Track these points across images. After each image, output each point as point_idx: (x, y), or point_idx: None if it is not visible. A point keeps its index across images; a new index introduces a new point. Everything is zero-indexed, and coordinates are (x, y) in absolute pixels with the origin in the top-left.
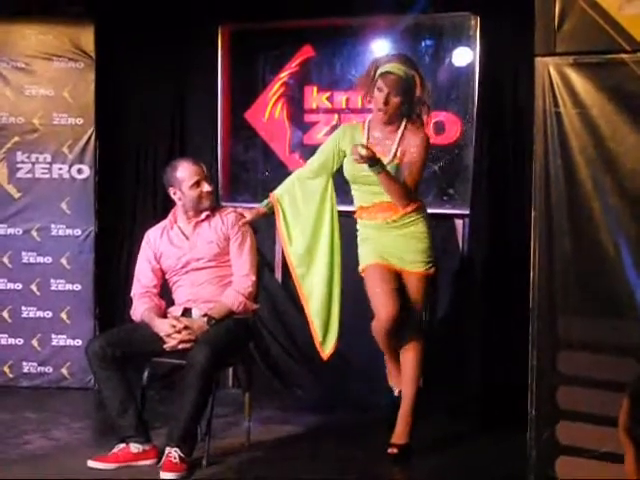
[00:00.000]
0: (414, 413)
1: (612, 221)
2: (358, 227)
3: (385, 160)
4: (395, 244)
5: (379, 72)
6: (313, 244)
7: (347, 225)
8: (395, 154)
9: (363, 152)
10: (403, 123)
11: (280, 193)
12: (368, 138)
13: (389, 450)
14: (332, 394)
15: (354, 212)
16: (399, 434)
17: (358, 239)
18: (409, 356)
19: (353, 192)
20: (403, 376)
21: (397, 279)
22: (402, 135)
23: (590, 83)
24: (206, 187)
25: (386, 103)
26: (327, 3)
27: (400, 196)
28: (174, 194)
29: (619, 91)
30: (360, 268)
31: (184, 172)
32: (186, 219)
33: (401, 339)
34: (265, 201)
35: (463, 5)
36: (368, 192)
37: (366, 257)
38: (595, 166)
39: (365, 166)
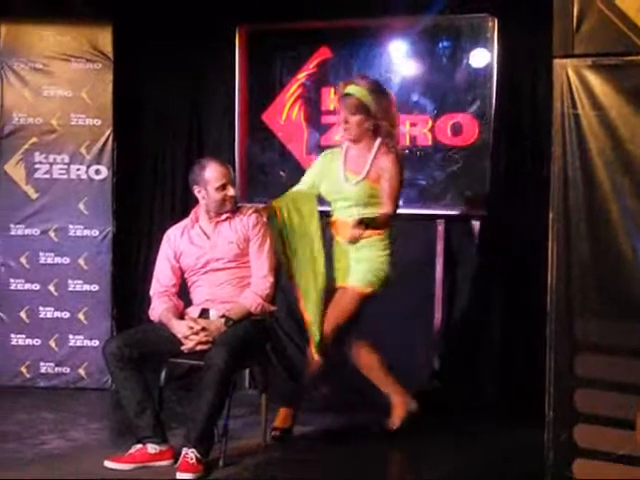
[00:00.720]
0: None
1: (630, 223)
2: None
3: (359, 176)
4: (345, 261)
5: (339, 96)
6: (304, 255)
7: None
8: (368, 172)
9: (356, 233)
10: (376, 144)
11: (281, 204)
12: (345, 157)
13: (272, 434)
14: (349, 395)
15: None
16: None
17: None
18: None
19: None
20: None
21: None
22: (375, 156)
23: (608, 85)
24: (231, 191)
25: (346, 122)
26: (344, 4)
27: (383, 226)
28: (198, 192)
29: (638, 93)
30: None
31: (212, 173)
32: (207, 219)
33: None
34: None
35: (481, 6)
36: (334, 208)
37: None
38: (613, 168)
39: (340, 186)
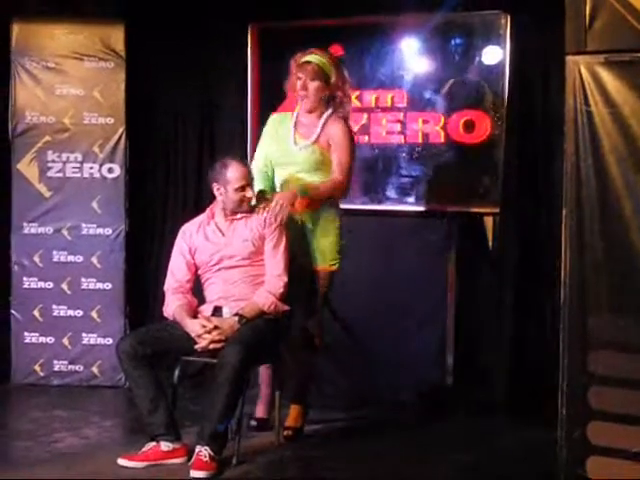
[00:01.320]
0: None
1: None
2: None
3: (309, 140)
4: (305, 239)
5: (298, 64)
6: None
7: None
8: (318, 137)
9: (277, 208)
10: (327, 112)
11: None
12: (296, 123)
13: (284, 433)
14: (362, 392)
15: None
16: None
17: None
18: None
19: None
20: None
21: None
22: (325, 122)
23: (621, 82)
24: (249, 193)
25: (304, 88)
26: (356, 2)
27: (330, 195)
28: (217, 190)
29: None
30: None
31: (234, 173)
32: (223, 216)
33: None
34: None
35: (493, 3)
36: (281, 175)
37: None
38: (626, 165)
39: (289, 150)
